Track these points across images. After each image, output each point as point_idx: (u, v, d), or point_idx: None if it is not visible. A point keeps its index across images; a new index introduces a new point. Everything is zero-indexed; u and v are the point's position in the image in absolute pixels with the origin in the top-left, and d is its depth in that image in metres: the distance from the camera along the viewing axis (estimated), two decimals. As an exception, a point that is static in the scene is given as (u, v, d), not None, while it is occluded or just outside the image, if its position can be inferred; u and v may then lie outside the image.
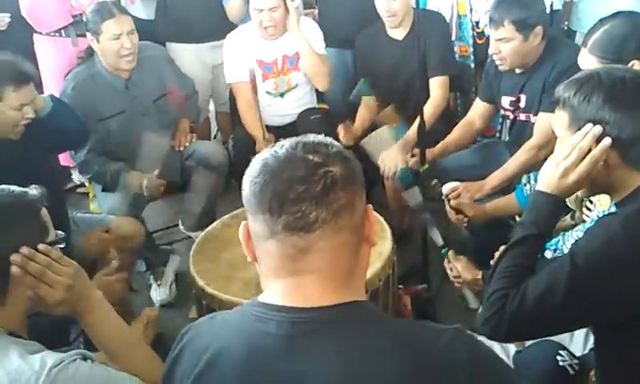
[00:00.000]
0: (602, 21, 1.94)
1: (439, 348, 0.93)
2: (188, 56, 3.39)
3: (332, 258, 0.96)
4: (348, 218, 0.95)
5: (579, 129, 1.32)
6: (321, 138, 1.01)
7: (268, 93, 3.18)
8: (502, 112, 2.78)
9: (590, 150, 1.31)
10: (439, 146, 2.78)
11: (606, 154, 1.30)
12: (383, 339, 0.94)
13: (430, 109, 2.89)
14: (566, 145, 1.34)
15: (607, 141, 1.29)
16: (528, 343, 1.79)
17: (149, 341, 1.64)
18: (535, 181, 2.32)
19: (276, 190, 0.93)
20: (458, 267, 2.11)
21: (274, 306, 0.97)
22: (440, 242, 2.23)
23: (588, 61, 1.89)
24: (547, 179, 1.37)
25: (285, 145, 0.99)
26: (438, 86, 3.00)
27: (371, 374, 0.90)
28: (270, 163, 0.97)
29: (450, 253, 2.16)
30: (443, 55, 3.01)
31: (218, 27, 3.32)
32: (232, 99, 3.34)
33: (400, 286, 2.48)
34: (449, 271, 2.15)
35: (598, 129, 1.29)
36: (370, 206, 1.02)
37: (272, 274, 0.99)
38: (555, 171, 1.35)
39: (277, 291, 0.98)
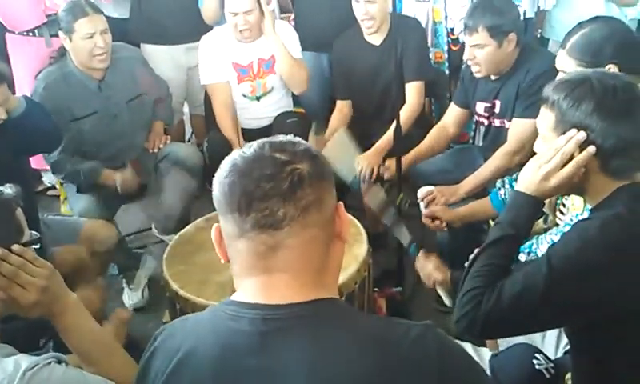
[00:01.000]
0: (580, 24, 1.97)
1: (409, 343, 0.94)
2: (162, 57, 3.36)
3: (302, 255, 0.97)
4: (317, 214, 0.96)
5: (564, 132, 1.33)
6: (289, 137, 1.02)
7: (244, 96, 3.16)
8: (475, 118, 2.81)
9: (572, 156, 1.32)
10: (412, 153, 2.79)
11: (587, 160, 1.31)
12: (354, 335, 0.95)
13: (405, 114, 2.91)
14: (549, 148, 1.35)
15: (592, 149, 1.30)
16: (502, 346, 1.81)
17: (121, 342, 1.61)
18: (510, 185, 2.36)
19: (244, 188, 0.95)
20: (429, 267, 2.13)
21: (246, 303, 0.98)
22: (406, 240, 2.24)
23: (566, 63, 1.92)
24: (528, 181, 1.38)
25: (253, 145, 1.01)
26: (413, 91, 3.02)
27: (342, 369, 0.91)
28: (238, 163, 0.99)
29: (421, 253, 2.18)
30: (419, 61, 3.04)
31: (193, 29, 3.29)
32: (207, 102, 3.32)
33: (375, 289, 2.49)
34: (420, 271, 2.17)
35: (582, 135, 1.30)
36: (341, 203, 1.04)
37: (244, 272, 1.00)
38: (537, 173, 1.36)
39: (249, 289, 0.99)
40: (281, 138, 1.02)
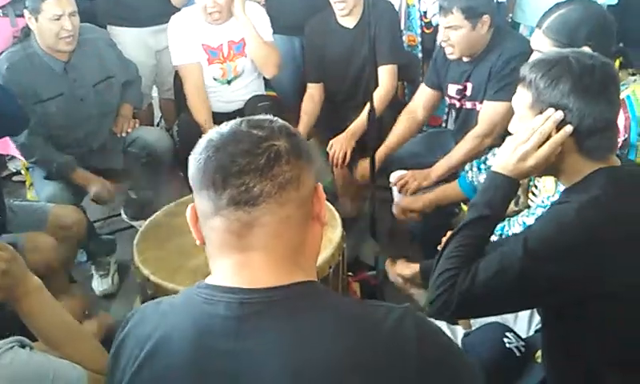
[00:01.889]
0: (558, 5, 1.98)
1: (387, 326, 0.93)
2: (130, 40, 3.29)
3: (278, 233, 0.95)
4: (294, 192, 0.95)
5: (540, 112, 1.33)
6: (267, 116, 1.00)
7: (215, 79, 3.12)
8: (447, 101, 2.82)
9: (549, 136, 1.31)
10: (383, 148, 2.79)
11: (564, 140, 1.31)
12: (332, 318, 0.93)
13: (378, 97, 2.90)
14: (526, 128, 1.34)
15: (569, 128, 1.30)
16: (475, 326, 1.83)
17: (97, 338, 1.58)
18: (478, 168, 2.37)
19: (219, 164, 0.93)
20: (397, 270, 2.14)
21: (221, 287, 0.96)
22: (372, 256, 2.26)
23: (542, 42, 1.93)
24: (504, 161, 1.37)
25: (229, 123, 0.99)
26: (386, 74, 3.01)
27: (320, 352, 0.90)
28: (214, 139, 0.97)
29: (387, 261, 2.20)
30: (392, 44, 3.03)
31: (162, 10, 3.22)
32: (177, 85, 3.27)
33: (349, 274, 2.48)
34: (394, 280, 2.19)
35: (560, 114, 1.30)
36: (320, 184, 1.02)
37: (218, 252, 0.97)
38: (513, 154, 1.35)
39: (224, 271, 0.97)
40: (258, 116, 1.00)
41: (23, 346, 1.21)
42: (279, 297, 0.93)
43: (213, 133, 0.98)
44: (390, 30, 3.03)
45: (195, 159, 0.97)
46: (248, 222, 0.93)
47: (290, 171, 0.94)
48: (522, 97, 1.37)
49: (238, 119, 0.99)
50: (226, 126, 0.98)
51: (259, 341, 0.91)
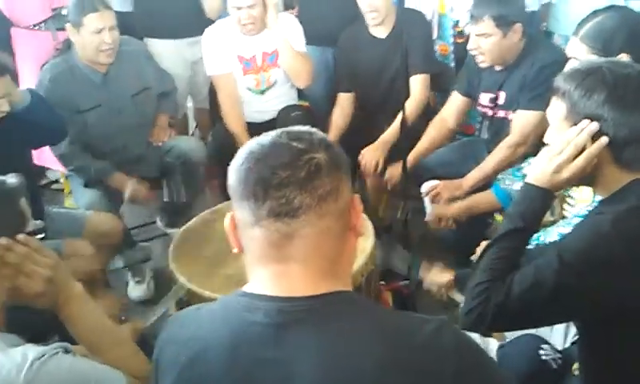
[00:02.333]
0: (595, 12, 1.97)
1: (424, 336, 0.93)
2: (166, 52, 3.34)
3: (317, 245, 0.96)
4: (333, 204, 0.96)
5: (575, 123, 1.31)
6: (305, 127, 1.01)
7: (249, 89, 3.16)
8: (480, 110, 2.81)
9: (584, 147, 1.30)
10: (413, 154, 2.78)
11: (599, 151, 1.29)
12: (369, 327, 0.94)
13: (410, 107, 2.90)
14: (560, 140, 1.33)
15: (604, 140, 1.28)
16: (509, 338, 1.81)
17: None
18: (513, 175, 2.36)
19: (260, 176, 0.94)
20: (432, 277, 2.13)
21: (260, 295, 0.97)
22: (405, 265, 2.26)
23: (578, 49, 1.92)
24: (539, 173, 1.36)
25: (270, 134, 1.00)
26: (419, 84, 3.01)
27: (356, 361, 0.90)
28: (254, 151, 0.98)
29: (423, 266, 2.18)
30: (425, 54, 3.03)
31: (197, 23, 3.28)
32: (212, 95, 3.31)
33: (381, 282, 2.48)
34: (429, 287, 2.17)
35: (595, 126, 1.28)
36: (357, 195, 1.03)
37: (257, 261, 0.99)
38: (548, 165, 1.34)
39: (262, 280, 0.98)
40: (297, 127, 1.01)
41: (67, 352, 1.23)
42: (317, 305, 0.94)
43: (253, 144, 0.99)
44: (423, 39, 3.03)
45: (236, 170, 0.98)
46: (288, 234, 0.94)
47: (330, 184, 0.95)
48: (557, 108, 1.36)
49: (278, 130, 1.00)
50: (266, 137, 0.99)
51: (297, 349, 0.92)
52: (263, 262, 0.98)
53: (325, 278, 0.97)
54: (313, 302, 0.95)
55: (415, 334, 0.93)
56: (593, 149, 1.29)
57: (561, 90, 1.34)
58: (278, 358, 0.92)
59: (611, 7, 2.05)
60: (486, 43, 2.49)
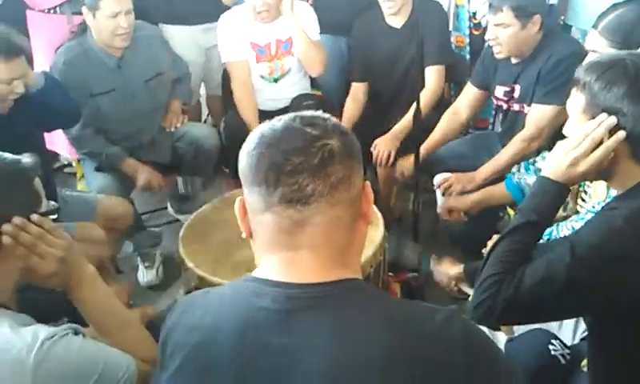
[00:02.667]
0: (615, 5, 1.95)
1: (434, 325, 0.92)
2: (181, 38, 3.34)
3: (328, 233, 0.95)
4: (345, 191, 0.94)
5: (593, 116, 1.29)
6: (318, 112, 1.00)
7: (262, 77, 3.15)
8: (494, 102, 2.79)
9: (601, 141, 1.28)
10: (425, 145, 2.77)
11: (616, 145, 1.28)
12: (377, 316, 0.93)
13: (425, 98, 2.88)
14: (577, 133, 1.31)
15: (622, 134, 1.26)
16: (518, 332, 1.80)
17: None
18: (525, 169, 2.34)
19: (272, 161, 0.93)
20: (443, 269, 2.13)
21: (269, 281, 0.96)
22: (415, 256, 2.26)
23: (598, 43, 1.90)
24: (555, 166, 1.34)
25: (282, 118, 0.98)
26: (433, 75, 3.00)
27: (365, 349, 0.89)
28: (266, 135, 0.96)
29: (432, 260, 2.18)
30: (440, 44, 3.01)
31: (212, 9, 3.27)
32: (225, 82, 3.31)
33: (390, 274, 2.48)
34: (439, 279, 2.17)
35: (613, 120, 1.27)
36: (368, 183, 1.01)
37: (267, 248, 0.98)
38: (564, 159, 1.32)
39: (272, 266, 0.97)
40: (310, 112, 0.99)
41: (77, 333, 1.23)
42: (326, 292, 0.94)
43: (265, 128, 0.98)
44: (439, 30, 3.02)
45: (247, 154, 0.97)
46: (299, 221, 0.93)
47: (342, 171, 0.94)
48: (576, 100, 1.34)
49: (291, 114, 0.98)
50: (278, 122, 0.97)
51: (305, 335, 0.91)
52: (273, 249, 0.97)
53: (334, 266, 0.96)
54: (321, 289, 0.94)
55: (425, 323, 0.93)
56: (609, 143, 1.27)
57: (581, 82, 1.32)
58: (286, 344, 0.92)
59: (631, 0, 2.02)
60: (504, 34, 2.47)
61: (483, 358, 0.94)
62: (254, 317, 0.95)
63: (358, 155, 0.99)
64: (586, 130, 1.29)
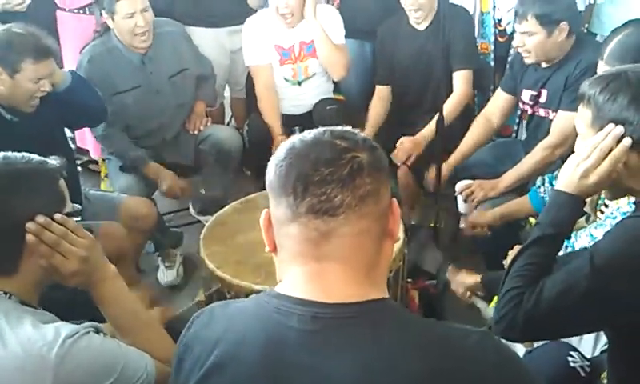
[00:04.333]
0: (614, 31, 1.96)
1: (467, 349, 0.91)
2: (206, 40, 3.35)
3: (355, 246, 0.94)
4: (373, 205, 0.94)
5: (601, 128, 1.30)
6: (348, 127, 1.00)
7: (286, 79, 3.17)
8: (520, 106, 2.76)
9: (611, 151, 1.28)
10: (455, 155, 2.77)
11: (627, 155, 1.28)
12: (409, 339, 0.92)
13: (452, 103, 2.89)
14: (586, 145, 1.32)
15: (627, 141, 1.27)
16: (537, 344, 1.79)
17: None
18: (550, 183, 2.32)
19: (301, 171, 0.92)
20: (460, 279, 2.12)
21: (294, 298, 0.94)
22: (435, 267, 2.31)
23: None
24: (567, 179, 1.35)
25: (312, 131, 0.99)
26: (461, 80, 2.99)
27: (396, 373, 0.88)
28: (296, 146, 0.96)
29: (450, 268, 2.17)
30: (467, 48, 3.00)
31: (238, 12, 3.30)
32: (249, 85, 3.33)
33: (408, 280, 2.47)
34: (455, 288, 2.16)
35: (620, 130, 1.27)
36: (395, 200, 1.00)
37: (293, 260, 0.96)
38: (575, 171, 1.33)
39: (297, 280, 0.96)
40: (340, 127, 0.99)
41: (97, 332, 1.25)
42: (354, 314, 0.92)
43: (295, 140, 0.98)
44: (466, 34, 3.01)
45: (276, 165, 0.96)
46: (326, 232, 0.92)
47: (371, 184, 0.93)
48: (583, 115, 1.35)
49: (321, 128, 0.98)
50: (308, 134, 0.98)
51: (333, 357, 0.90)
52: (299, 261, 0.95)
53: (361, 283, 0.95)
54: (349, 310, 0.92)
55: (458, 346, 0.92)
56: (617, 151, 1.28)
57: (586, 97, 1.33)
58: (313, 365, 0.90)
59: (628, 23, 2.02)
60: (531, 41, 2.46)
61: (516, 380, 0.94)
62: (280, 335, 0.93)
63: (386, 170, 0.99)
64: (594, 142, 1.30)
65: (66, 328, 1.21)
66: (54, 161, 1.38)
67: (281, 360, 0.92)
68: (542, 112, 2.63)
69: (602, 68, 1.93)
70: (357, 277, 0.95)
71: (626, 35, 1.91)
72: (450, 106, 2.83)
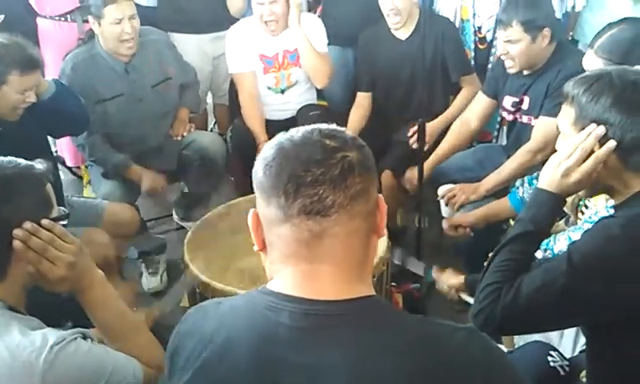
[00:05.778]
0: (610, 25, 1.97)
1: (454, 345, 0.92)
2: (189, 47, 3.36)
3: (346, 245, 0.94)
4: (363, 204, 0.94)
5: (583, 128, 1.32)
6: (334, 125, 1.00)
7: (269, 88, 3.18)
8: (500, 113, 2.80)
9: (592, 151, 1.31)
10: (433, 157, 2.80)
11: (607, 156, 1.30)
12: (398, 335, 0.93)
13: (460, 104, 2.98)
14: (568, 144, 1.34)
15: (612, 143, 1.29)
16: (518, 343, 1.82)
17: None
18: (529, 184, 2.35)
19: (292, 172, 0.92)
20: (444, 278, 2.14)
21: (285, 295, 0.95)
22: (421, 268, 2.31)
23: (594, 62, 1.92)
24: (549, 177, 1.37)
25: (300, 130, 0.98)
26: (469, 82, 3.09)
27: (385, 369, 0.89)
28: (285, 147, 0.95)
29: (434, 269, 2.20)
30: (462, 56, 3.10)
31: (220, 18, 3.32)
32: (232, 92, 3.34)
33: (392, 284, 2.50)
34: (441, 288, 2.19)
35: (601, 130, 1.29)
36: (381, 196, 1.01)
37: (285, 260, 0.96)
38: (557, 170, 1.35)
39: (289, 280, 0.96)
40: (327, 125, 0.98)
41: (85, 338, 1.25)
42: (345, 311, 0.93)
43: (283, 139, 0.97)
44: (457, 44, 3.09)
45: (265, 165, 0.95)
46: (318, 233, 0.92)
47: (361, 183, 0.93)
48: (566, 114, 1.37)
49: (309, 127, 0.98)
50: (297, 133, 0.97)
51: (325, 354, 0.90)
52: (292, 261, 0.95)
53: (352, 281, 0.96)
54: (340, 307, 0.93)
55: (444, 343, 0.93)
56: (600, 152, 1.30)
57: (569, 96, 1.35)
58: (305, 362, 0.91)
59: (624, 20, 2.05)
60: (515, 49, 2.49)
61: (502, 376, 0.95)
62: (271, 332, 0.93)
63: (374, 168, 0.99)
64: (576, 141, 1.32)
65: (53, 334, 1.20)
66: (40, 165, 1.37)
67: (272, 356, 0.92)
68: (524, 119, 2.66)
69: (590, 57, 1.94)
70: (348, 276, 0.96)
71: (620, 30, 1.93)
72: (459, 106, 2.97)
